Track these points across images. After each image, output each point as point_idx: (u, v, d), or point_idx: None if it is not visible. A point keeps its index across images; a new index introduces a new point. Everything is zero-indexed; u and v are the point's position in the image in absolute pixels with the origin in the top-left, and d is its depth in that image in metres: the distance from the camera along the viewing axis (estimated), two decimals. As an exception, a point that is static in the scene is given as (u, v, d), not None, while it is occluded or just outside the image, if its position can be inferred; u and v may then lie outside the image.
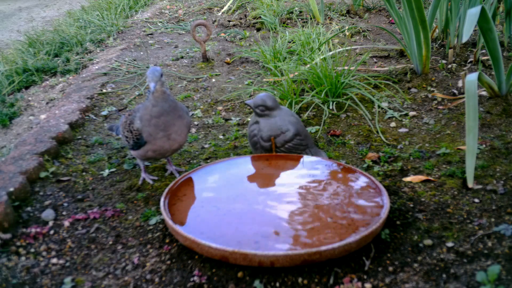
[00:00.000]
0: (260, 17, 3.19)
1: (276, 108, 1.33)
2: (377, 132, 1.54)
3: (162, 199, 1.10)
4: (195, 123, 1.72)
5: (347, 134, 1.56)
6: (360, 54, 2.32)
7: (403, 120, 1.63)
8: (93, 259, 1.03)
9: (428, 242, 1.01)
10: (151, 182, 1.31)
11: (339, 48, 2.32)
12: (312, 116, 1.70)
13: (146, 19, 3.53)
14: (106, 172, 1.38)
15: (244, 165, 1.28)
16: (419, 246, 1.00)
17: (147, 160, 1.30)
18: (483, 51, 2.07)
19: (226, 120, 1.74)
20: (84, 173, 1.39)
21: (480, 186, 1.19)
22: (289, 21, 3.10)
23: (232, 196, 1.14)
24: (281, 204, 1.09)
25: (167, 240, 1.07)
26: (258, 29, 3.06)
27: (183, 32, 3.13)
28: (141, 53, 2.61)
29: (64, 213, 1.20)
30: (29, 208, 1.21)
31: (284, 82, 1.82)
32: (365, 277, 0.93)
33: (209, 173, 1.24)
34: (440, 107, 1.69)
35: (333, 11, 3.23)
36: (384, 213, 1.02)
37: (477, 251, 0.97)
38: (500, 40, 1.92)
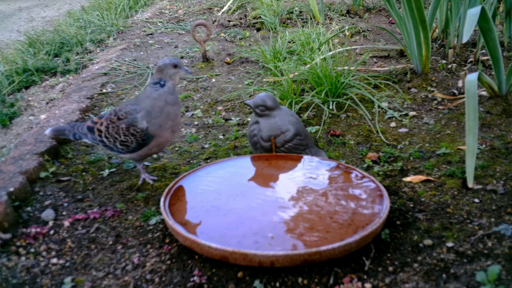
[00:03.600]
0: (260, 17, 3.19)
1: (276, 108, 1.33)
2: (377, 132, 1.54)
3: (162, 199, 1.10)
4: (195, 123, 1.72)
5: (347, 134, 1.56)
6: (360, 54, 2.32)
7: (403, 120, 1.63)
8: (93, 259, 1.03)
9: (428, 242, 1.01)
10: (151, 182, 1.31)
11: (339, 48, 2.32)
12: (312, 116, 1.70)
13: (146, 19, 3.53)
14: (106, 172, 1.38)
15: (244, 165, 1.28)
16: (419, 246, 1.00)
17: (144, 158, 1.30)
18: (483, 51, 2.07)
19: (226, 120, 1.74)
20: (84, 173, 1.39)
21: (480, 186, 1.19)
22: (289, 21, 3.10)
23: (232, 196, 1.14)
24: (281, 204, 1.09)
25: (167, 240, 1.07)
26: (258, 29, 3.06)
27: (183, 32, 3.13)
28: (141, 53, 2.61)
29: (64, 213, 1.20)
30: (29, 208, 1.21)
31: (284, 82, 1.82)
32: (365, 277, 0.93)
33: (209, 173, 1.24)
34: (440, 107, 1.69)
35: (333, 11, 3.23)
36: (384, 213, 1.02)
37: (477, 251, 0.97)
38: (500, 40, 1.92)
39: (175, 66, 1.23)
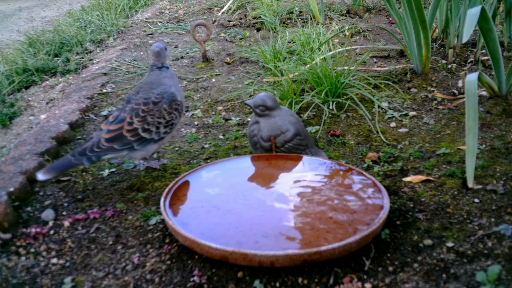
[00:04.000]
0: (260, 17, 3.19)
1: (276, 108, 1.33)
2: (377, 132, 1.54)
3: (162, 199, 1.10)
4: (195, 123, 1.72)
5: (347, 134, 1.56)
6: (360, 54, 2.32)
7: (403, 120, 1.63)
8: (93, 259, 1.03)
9: (428, 242, 1.01)
10: (158, 167, 1.36)
11: (339, 48, 2.32)
12: (312, 116, 1.70)
13: (146, 19, 3.53)
14: (106, 172, 1.38)
15: (244, 165, 1.28)
16: (419, 246, 1.00)
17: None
18: (483, 51, 2.07)
19: (226, 120, 1.74)
20: (84, 173, 1.39)
21: (480, 186, 1.19)
22: (289, 21, 3.10)
23: (232, 196, 1.14)
24: (281, 204, 1.09)
25: (167, 240, 1.07)
26: (258, 29, 3.06)
27: (183, 32, 3.13)
28: (141, 53, 2.61)
29: (64, 213, 1.20)
30: (29, 208, 1.21)
31: (284, 82, 1.82)
32: (365, 277, 0.93)
33: (209, 173, 1.24)
34: (440, 107, 1.69)
35: (333, 11, 3.23)
36: (384, 213, 1.02)
37: (477, 251, 0.97)
38: (500, 40, 1.92)
39: (165, 48, 1.35)
